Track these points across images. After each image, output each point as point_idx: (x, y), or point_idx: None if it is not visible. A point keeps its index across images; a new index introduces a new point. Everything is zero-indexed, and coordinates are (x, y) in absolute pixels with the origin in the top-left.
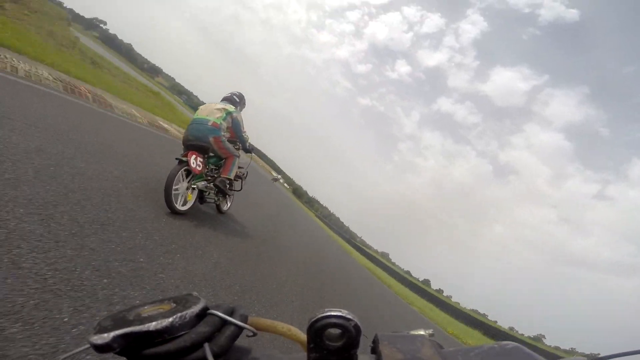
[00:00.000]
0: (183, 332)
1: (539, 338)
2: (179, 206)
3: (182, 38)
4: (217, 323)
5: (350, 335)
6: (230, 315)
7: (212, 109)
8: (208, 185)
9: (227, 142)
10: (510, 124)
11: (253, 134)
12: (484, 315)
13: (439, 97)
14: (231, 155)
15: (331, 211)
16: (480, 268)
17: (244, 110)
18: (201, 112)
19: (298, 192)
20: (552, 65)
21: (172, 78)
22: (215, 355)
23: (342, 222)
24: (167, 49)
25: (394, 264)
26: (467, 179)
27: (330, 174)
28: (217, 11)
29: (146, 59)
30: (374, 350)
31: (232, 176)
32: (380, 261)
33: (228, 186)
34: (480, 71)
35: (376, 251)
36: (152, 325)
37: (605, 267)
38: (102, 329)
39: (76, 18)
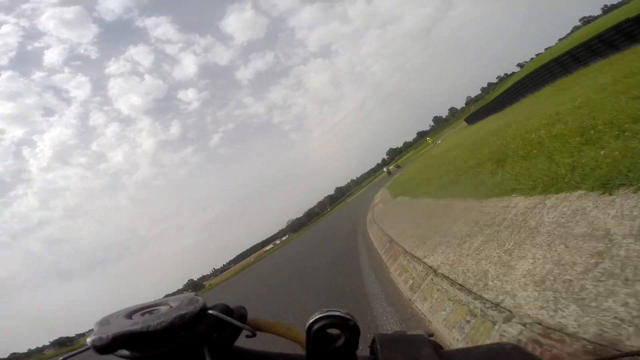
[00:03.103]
0: (182, 333)
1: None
2: None
3: None
4: (216, 323)
5: (349, 335)
6: (229, 315)
7: None
8: None
9: None
10: (283, 33)
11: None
12: None
13: (235, 75)
14: None
15: None
16: None
17: None
18: None
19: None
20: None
21: None
22: (214, 355)
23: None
24: None
25: None
26: (325, 79)
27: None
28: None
29: None
30: (373, 350)
31: None
32: None
33: None
34: (217, 36)
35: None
36: (152, 326)
37: (438, 12)
38: (102, 330)
39: None
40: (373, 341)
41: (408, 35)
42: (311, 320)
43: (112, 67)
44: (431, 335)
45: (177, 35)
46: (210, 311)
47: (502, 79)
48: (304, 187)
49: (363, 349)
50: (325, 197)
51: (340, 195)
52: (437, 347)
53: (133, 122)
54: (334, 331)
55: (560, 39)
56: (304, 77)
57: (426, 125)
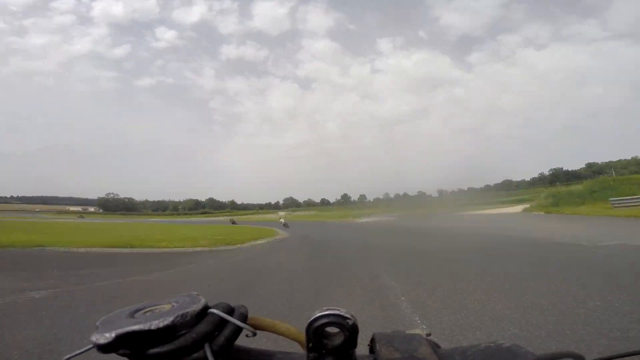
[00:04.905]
0: (184, 331)
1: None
2: None
3: None
4: (217, 322)
5: (348, 334)
6: (230, 314)
7: None
8: None
9: None
10: (291, 44)
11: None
12: None
13: (220, 47)
14: None
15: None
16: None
17: None
18: None
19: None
20: None
21: None
22: (215, 354)
23: None
24: None
25: None
26: (285, 104)
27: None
28: None
29: None
30: (372, 349)
31: None
32: None
33: None
34: (242, 8)
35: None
36: (154, 325)
37: (408, 118)
38: (104, 329)
39: None
40: (372, 340)
41: (375, 118)
42: (311, 319)
43: None
44: (429, 334)
45: None
46: (211, 310)
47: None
48: (190, 176)
49: (362, 348)
50: (189, 199)
51: (210, 209)
52: (434, 346)
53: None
54: (333, 329)
55: None
56: (270, 89)
57: (333, 197)
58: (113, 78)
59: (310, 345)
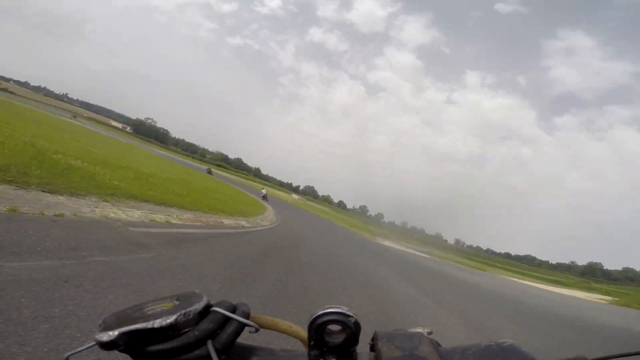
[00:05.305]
0: (187, 329)
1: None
2: None
3: None
4: (219, 320)
5: (350, 331)
6: (233, 312)
7: None
8: None
9: None
10: (374, 48)
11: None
12: None
13: (310, 28)
14: None
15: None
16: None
17: None
18: None
19: None
20: None
21: None
22: (218, 352)
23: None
24: None
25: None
26: (345, 102)
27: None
28: None
29: None
30: (373, 347)
31: None
32: None
33: None
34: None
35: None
36: (157, 323)
37: (463, 160)
38: (107, 327)
39: None
40: (373, 338)
41: (427, 147)
42: (313, 317)
43: None
44: (430, 332)
45: None
46: (214, 308)
47: None
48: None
49: (363, 346)
50: (219, 152)
51: (234, 168)
52: (435, 344)
53: None
54: (335, 327)
55: None
56: (338, 84)
57: (351, 203)
58: (211, 29)
59: (312, 342)
